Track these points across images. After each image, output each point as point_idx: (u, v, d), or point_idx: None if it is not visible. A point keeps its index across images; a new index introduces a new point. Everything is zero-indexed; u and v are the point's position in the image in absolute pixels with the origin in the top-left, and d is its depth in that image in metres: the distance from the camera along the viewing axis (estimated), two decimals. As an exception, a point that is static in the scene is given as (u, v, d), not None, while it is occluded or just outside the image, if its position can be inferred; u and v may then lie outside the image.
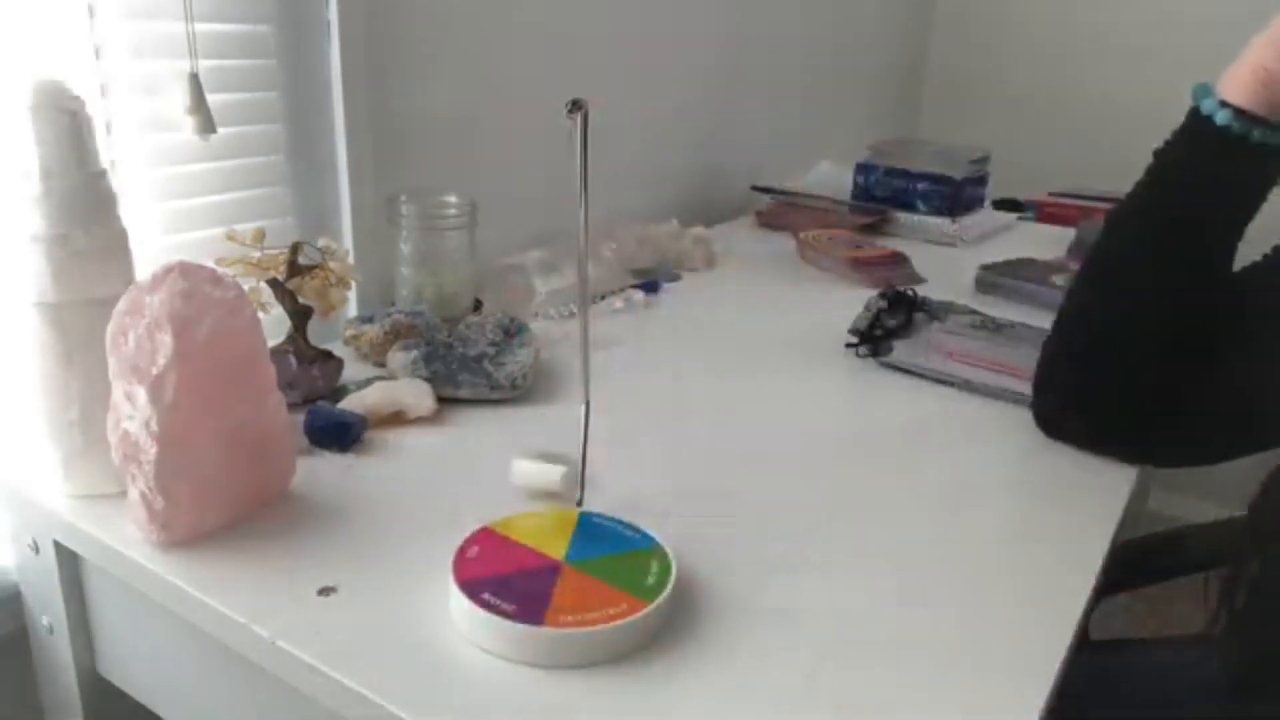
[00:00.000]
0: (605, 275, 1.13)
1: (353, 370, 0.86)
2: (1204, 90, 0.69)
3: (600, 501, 0.64)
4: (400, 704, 0.47)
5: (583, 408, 0.64)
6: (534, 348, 0.87)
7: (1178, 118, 0.71)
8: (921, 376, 0.91)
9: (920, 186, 1.52)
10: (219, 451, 0.60)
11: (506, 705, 0.47)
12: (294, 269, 0.79)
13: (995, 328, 0.97)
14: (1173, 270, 0.71)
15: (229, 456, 0.60)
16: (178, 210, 0.85)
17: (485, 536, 0.57)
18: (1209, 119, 0.68)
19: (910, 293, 1.02)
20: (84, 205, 0.59)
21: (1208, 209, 0.70)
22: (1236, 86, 0.68)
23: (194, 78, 0.81)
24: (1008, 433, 0.80)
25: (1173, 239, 0.71)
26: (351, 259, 0.90)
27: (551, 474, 0.64)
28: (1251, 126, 0.67)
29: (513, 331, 0.89)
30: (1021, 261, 1.26)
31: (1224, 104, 0.68)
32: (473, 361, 0.83)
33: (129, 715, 0.72)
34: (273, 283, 0.79)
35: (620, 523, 0.60)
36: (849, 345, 0.97)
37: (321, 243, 0.82)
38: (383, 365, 0.86)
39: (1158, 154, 0.72)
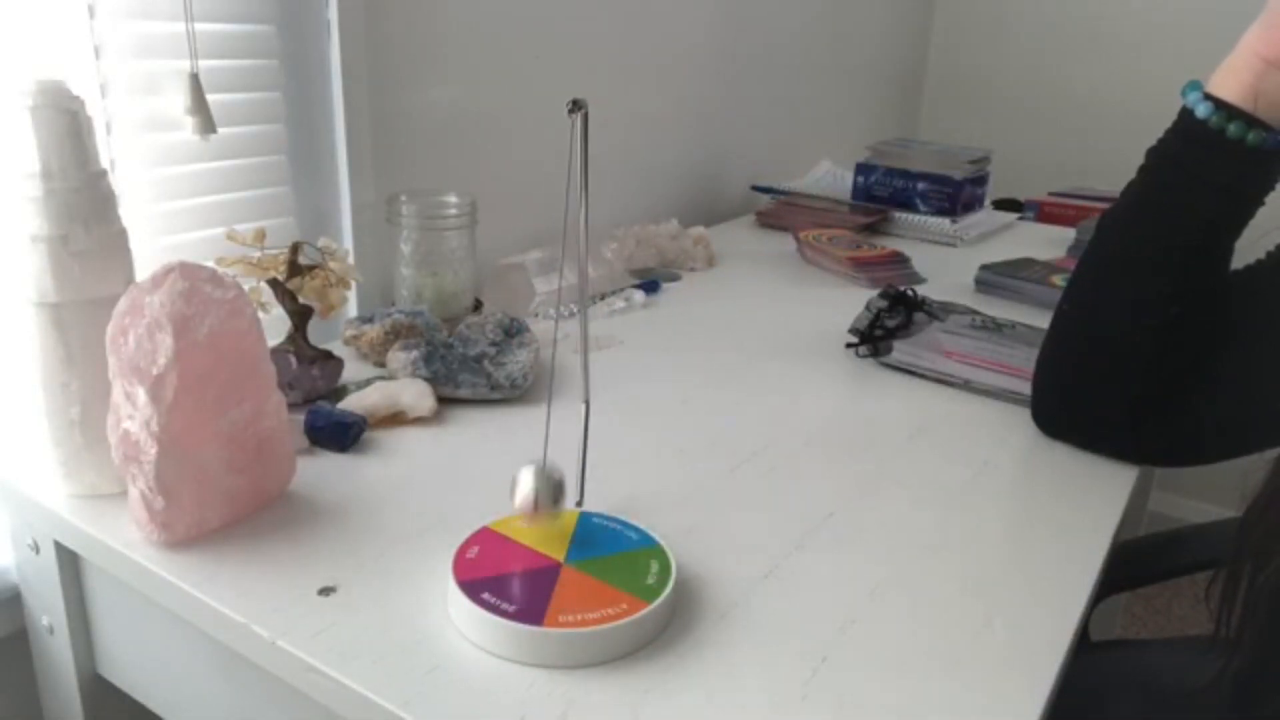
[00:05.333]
0: (605, 275, 1.13)
1: (353, 370, 0.86)
2: (1193, 85, 0.69)
3: (600, 501, 0.64)
4: (400, 704, 0.47)
5: (583, 407, 0.64)
6: (534, 348, 0.87)
7: (1178, 118, 0.71)
8: (922, 376, 0.91)
9: (920, 186, 1.52)
10: (219, 451, 0.60)
11: (506, 705, 0.47)
12: (294, 269, 0.79)
13: (995, 328, 0.97)
14: (1165, 270, 0.71)
15: (229, 456, 0.60)
16: (178, 210, 0.85)
17: (485, 536, 0.57)
18: (1191, 112, 0.68)
19: (910, 293, 1.02)
20: (84, 205, 0.59)
21: (1197, 208, 0.69)
22: (1229, 78, 0.67)
23: (194, 78, 0.81)
24: (1008, 432, 0.80)
25: (1163, 238, 0.71)
26: (351, 259, 0.90)
27: (525, 485, 0.56)
28: (1228, 121, 0.67)
29: (513, 331, 0.89)
30: (1021, 261, 1.26)
31: (1207, 97, 0.68)
32: (473, 361, 0.83)
33: (129, 715, 0.72)
34: (273, 283, 0.79)
35: (620, 523, 0.60)
36: (849, 345, 0.97)
37: (321, 243, 0.82)
38: (383, 365, 0.86)
39: (1150, 152, 0.72)
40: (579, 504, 0.63)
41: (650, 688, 0.49)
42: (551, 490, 0.56)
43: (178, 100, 0.82)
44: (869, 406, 0.85)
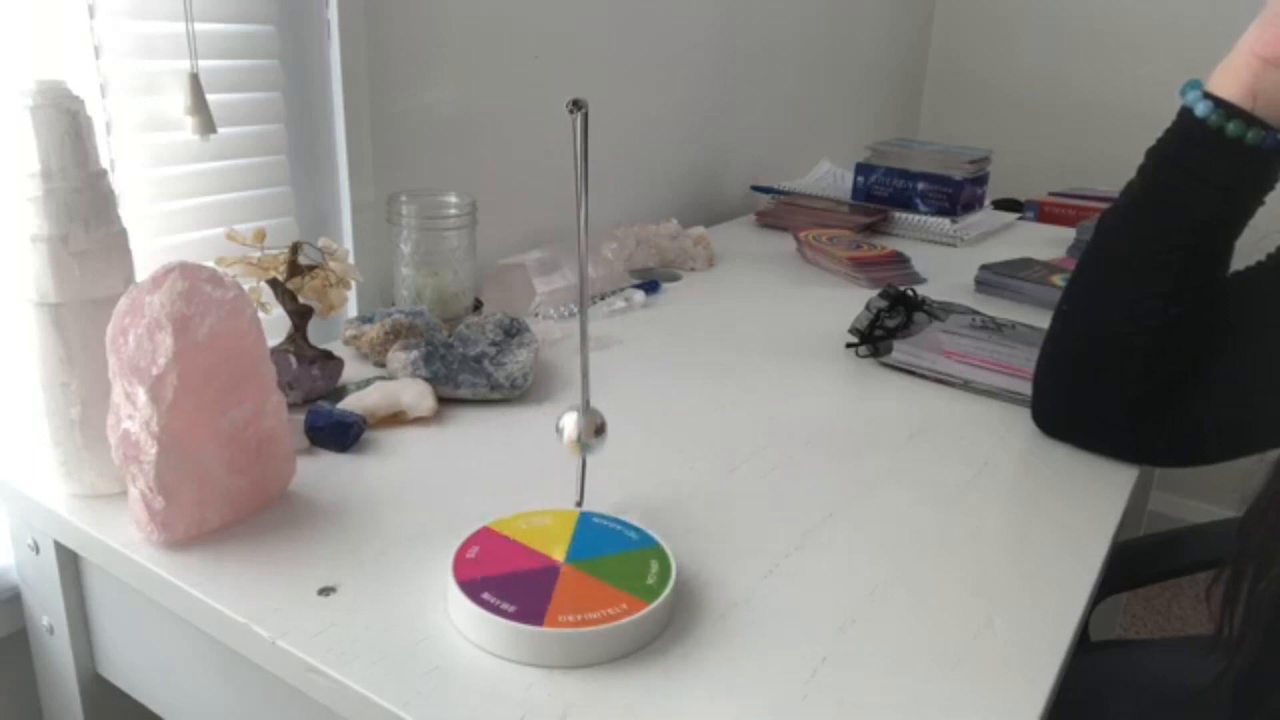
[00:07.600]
0: (605, 275, 1.14)
1: (353, 370, 0.86)
2: (1192, 84, 0.69)
3: (600, 501, 0.64)
4: (400, 704, 0.47)
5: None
6: (534, 348, 0.87)
7: (1178, 118, 0.71)
8: (922, 376, 0.91)
9: (920, 186, 1.52)
10: (219, 451, 0.60)
11: (506, 705, 0.47)
12: (294, 269, 0.79)
13: (995, 328, 0.97)
14: (1164, 269, 0.71)
15: (229, 456, 0.60)
16: (178, 210, 0.85)
17: (485, 536, 0.57)
18: (1190, 111, 0.68)
19: (910, 293, 1.02)
20: (84, 205, 0.59)
21: (1196, 208, 0.69)
22: (1228, 78, 0.68)
23: (194, 78, 0.81)
24: (1008, 432, 0.80)
25: (1162, 237, 0.71)
26: (351, 259, 0.90)
27: (567, 421, 0.62)
28: (1227, 120, 0.67)
29: (513, 331, 0.89)
30: (1021, 261, 1.26)
31: (1206, 96, 0.68)
32: (473, 361, 0.83)
33: (129, 715, 0.72)
34: (273, 283, 0.79)
35: (620, 523, 0.60)
36: (849, 345, 0.97)
37: (321, 242, 0.82)
38: (383, 365, 0.86)
39: (1149, 152, 0.72)
40: (579, 504, 0.63)
41: (650, 688, 0.49)
42: (594, 426, 0.62)
43: (178, 100, 0.82)
44: (869, 406, 0.85)
